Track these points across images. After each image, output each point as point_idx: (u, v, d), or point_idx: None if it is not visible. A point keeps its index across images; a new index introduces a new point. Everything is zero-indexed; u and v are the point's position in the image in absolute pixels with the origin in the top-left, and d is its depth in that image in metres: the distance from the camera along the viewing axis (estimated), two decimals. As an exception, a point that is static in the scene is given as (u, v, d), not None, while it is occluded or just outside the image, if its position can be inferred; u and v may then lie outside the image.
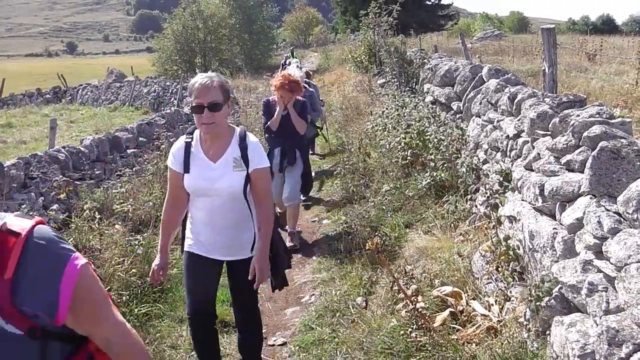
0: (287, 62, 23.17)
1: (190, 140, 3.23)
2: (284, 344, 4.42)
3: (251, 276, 3.20)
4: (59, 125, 11.35)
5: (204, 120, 3.01)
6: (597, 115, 3.46)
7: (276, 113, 6.13)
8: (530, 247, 3.54)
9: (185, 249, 3.46)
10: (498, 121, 5.34)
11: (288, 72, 6.29)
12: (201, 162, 3.19)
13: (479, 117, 6.11)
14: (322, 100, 9.28)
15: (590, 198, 2.97)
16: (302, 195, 7.14)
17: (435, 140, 6.58)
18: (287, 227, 6.47)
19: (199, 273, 3.39)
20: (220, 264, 3.42)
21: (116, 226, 5.62)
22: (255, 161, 3.16)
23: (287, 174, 6.39)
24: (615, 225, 2.64)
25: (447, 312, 3.87)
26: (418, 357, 3.55)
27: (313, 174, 7.85)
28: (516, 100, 4.87)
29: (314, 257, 6.08)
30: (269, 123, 6.22)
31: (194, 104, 3.02)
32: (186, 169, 3.19)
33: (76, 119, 20.72)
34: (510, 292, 3.68)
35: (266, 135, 6.52)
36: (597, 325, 2.54)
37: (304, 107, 6.27)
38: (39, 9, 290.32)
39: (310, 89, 8.36)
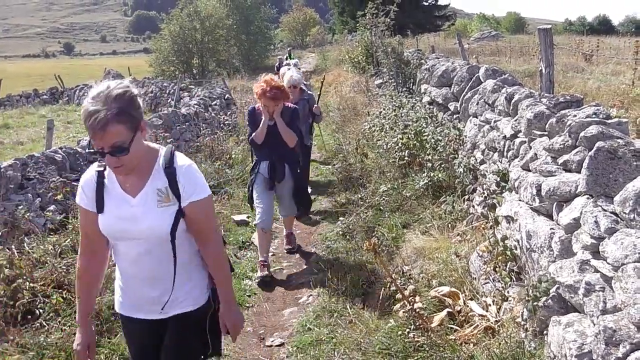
0: (280, 64, 23.01)
1: (102, 169, 2.41)
2: (282, 344, 4.42)
3: (224, 334, 2.67)
4: (56, 126, 11.35)
5: (109, 164, 2.26)
6: (593, 116, 3.46)
7: (261, 124, 5.48)
8: (528, 247, 3.55)
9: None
10: (495, 121, 5.34)
11: (271, 77, 5.54)
12: (117, 198, 2.41)
13: (476, 117, 6.12)
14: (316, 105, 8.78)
15: (587, 198, 2.98)
16: (300, 212, 6.66)
17: (433, 140, 6.58)
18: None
19: (133, 340, 2.74)
20: (157, 325, 2.59)
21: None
22: (189, 191, 2.39)
23: (278, 192, 5.81)
24: (612, 225, 2.64)
25: (444, 313, 3.87)
26: (416, 358, 3.55)
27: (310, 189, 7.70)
28: (513, 101, 4.87)
29: (312, 258, 6.08)
30: (253, 135, 5.58)
31: (92, 146, 2.22)
32: (99, 207, 2.41)
33: (73, 120, 20.65)
34: (508, 292, 3.69)
35: (252, 147, 5.95)
36: (594, 325, 2.55)
37: (293, 116, 5.63)
38: (36, 10, 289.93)
39: (310, 92, 8.06)
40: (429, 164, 6.41)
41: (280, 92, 5.40)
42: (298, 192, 5.91)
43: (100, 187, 2.42)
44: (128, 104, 2.17)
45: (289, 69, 8.29)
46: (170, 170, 2.38)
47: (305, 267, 5.93)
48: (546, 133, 3.93)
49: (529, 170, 3.95)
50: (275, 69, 23.27)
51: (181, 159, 2.44)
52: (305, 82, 8.62)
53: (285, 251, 6.32)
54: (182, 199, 2.38)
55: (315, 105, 7.82)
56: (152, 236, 2.39)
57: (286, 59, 23.38)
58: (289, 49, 30.90)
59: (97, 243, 2.53)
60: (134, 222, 2.37)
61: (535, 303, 3.06)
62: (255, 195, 5.71)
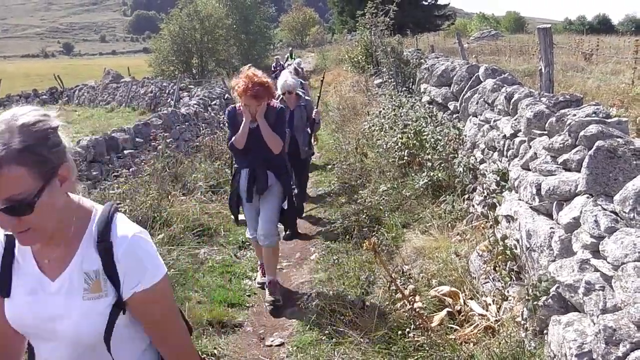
0: (278, 65, 22.71)
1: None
2: (282, 344, 4.41)
3: None
4: (55, 126, 11.30)
5: (4, 227, 1.46)
6: (593, 115, 3.46)
7: (242, 126, 4.74)
8: (528, 246, 3.55)
9: None
10: (495, 121, 5.34)
11: (253, 72, 4.72)
12: (30, 278, 1.60)
13: (476, 116, 6.12)
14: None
15: (587, 197, 2.98)
16: (284, 232, 6.34)
17: (432, 140, 6.58)
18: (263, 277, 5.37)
19: None
20: None
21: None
22: (133, 278, 1.58)
23: (261, 204, 4.97)
24: (612, 225, 2.64)
25: (444, 312, 3.87)
26: (416, 357, 3.55)
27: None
28: (513, 100, 4.87)
29: (312, 258, 6.08)
30: (233, 140, 4.83)
31: None
32: (3, 288, 1.61)
33: (73, 120, 20.70)
34: (508, 291, 3.69)
35: (232, 153, 5.38)
36: (594, 324, 2.55)
37: (279, 118, 4.87)
38: (35, 10, 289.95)
39: (307, 98, 7.52)
40: (429, 164, 6.40)
41: (264, 89, 4.66)
42: (284, 210, 5.12)
43: (7, 259, 1.62)
44: (38, 139, 1.41)
45: (290, 72, 8.22)
46: (105, 245, 1.57)
47: (305, 266, 5.93)
48: (546, 132, 3.93)
49: (529, 170, 3.95)
50: (272, 69, 23.13)
51: (123, 228, 1.61)
52: (302, 89, 8.06)
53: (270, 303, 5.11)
54: (122, 287, 1.58)
55: (315, 110, 7.32)
56: (78, 340, 1.59)
57: (287, 59, 23.13)
58: (290, 49, 30.74)
59: (10, 340, 1.72)
60: (52, 318, 1.58)
61: (535, 302, 3.06)
62: (242, 209, 5.21)
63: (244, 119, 4.76)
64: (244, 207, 5.13)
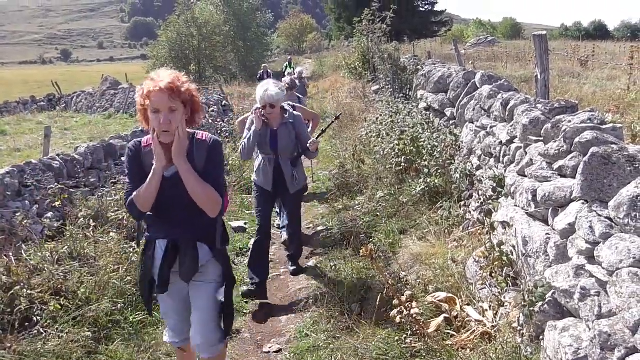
0: (265, 74, 21.77)
1: None
2: (279, 351, 4.42)
3: None
4: (53, 132, 11.34)
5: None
6: (588, 121, 3.48)
7: (150, 175, 2.87)
8: (524, 252, 3.56)
9: None
10: (491, 127, 5.36)
11: (174, 74, 2.88)
12: None
13: (472, 123, 6.14)
14: (307, 121, 6.89)
15: (582, 203, 3.00)
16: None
17: (429, 146, 6.60)
18: None
19: None
20: None
21: (111, 234, 5.61)
22: None
23: (192, 298, 3.16)
24: (607, 230, 2.66)
25: (441, 318, 3.88)
26: (413, 363, 3.56)
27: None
28: (509, 107, 4.90)
29: (309, 264, 6.08)
30: (134, 196, 2.90)
31: None
32: None
33: (70, 127, 20.68)
34: (504, 297, 3.70)
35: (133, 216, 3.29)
36: (589, 329, 2.56)
37: (213, 156, 3.01)
38: (33, 17, 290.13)
39: (296, 113, 5.57)
40: (426, 170, 6.42)
41: (188, 101, 2.87)
42: (225, 305, 3.18)
43: None
44: None
45: (290, 78, 7.84)
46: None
47: (302, 273, 5.92)
48: (542, 139, 3.95)
49: (525, 176, 3.97)
50: (258, 79, 22.40)
51: None
52: (291, 102, 6.37)
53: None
54: None
55: (312, 141, 5.37)
56: None
57: (285, 68, 22.59)
58: (289, 57, 30.31)
59: None
60: None
61: (531, 308, 3.07)
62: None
63: (153, 161, 2.86)
64: (159, 299, 3.30)
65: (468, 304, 4.00)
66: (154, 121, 2.78)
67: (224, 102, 17.75)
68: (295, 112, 5.54)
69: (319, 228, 7.15)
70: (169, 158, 2.85)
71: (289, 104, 5.84)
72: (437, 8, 50.41)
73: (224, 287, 3.15)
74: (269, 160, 5.40)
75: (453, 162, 6.09)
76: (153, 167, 2.85)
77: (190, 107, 2.91)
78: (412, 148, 7.12)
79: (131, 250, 5.22)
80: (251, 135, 5.24)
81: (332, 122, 6.61)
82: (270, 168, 5.40)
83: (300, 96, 8.51)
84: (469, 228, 5.05)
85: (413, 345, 3.66)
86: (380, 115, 9.31)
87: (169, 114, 2.76)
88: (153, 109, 2.77)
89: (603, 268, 2.59)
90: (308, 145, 5.33)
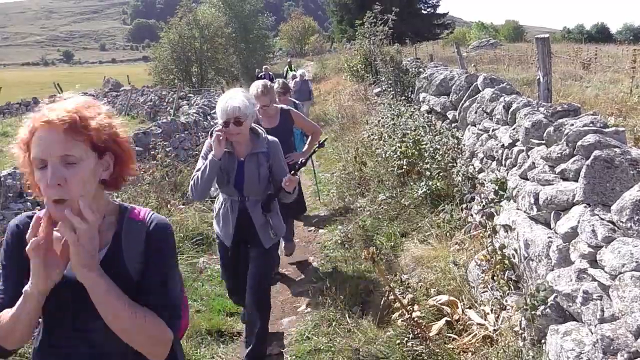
0: (267, 76, 21.15)
1: None
2: (280, 353, 4.41)
3: None
4: (55, 134, 11.32)
5: None
6: (591, 125, 3.48)
7: (23, 296, 1.60)
8: (526, 255, 3.55)
9: None
10: (493, 130, 5.36)
11: (87, 102, 1.68)
12: None
13: (475, 126, 6.13)
14: (306, 135, 6.40)
15: (585, 207, 2.99)
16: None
17: (431, 149, 6.59)
18: None
19: None
20: None
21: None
22: None
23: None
24: (609, 234, 2.65)
25: (443, 321, 3.87)
26: (414, 367, 3.55)
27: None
28: (511, 110, 4.89)
29: (310, 267, 6.08)
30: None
31: None
32: None
33: (72, 128, 20.68)
34: (506, 300, 3.69)
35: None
36: (592, 333, 2.55)
37: (156, 244, 1.77)
38: (36, 18, 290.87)
39: (272, 139, 3.97)
40: (428, 173, 6.41)
41: (105, 146, 1.68)
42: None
43: None
44: None
45: (283, 81, 7.09)
46: None
47: (303, 276, 5.92)
48: (544, 142, 3.95)
49: (527, 179, 3.96)
50: (257, 77, 21.79)
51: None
52: (285, 106, 5.70)
53: None
54: None
55: (287, 177, 3.79)
56: None
57: (286, 72, 22.18)
58: (289, 59, 29.95)
59: None
60: None
61: (533, 312, 3.06)
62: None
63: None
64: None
65: (470, 307, 3.99)
66: (40, 181, 1.60)
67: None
68: (271, 138, 3.94)
69: (320, 230, 7.14)
70: (67, 257, 1.58)
71: (285, 108, 5.53)
72: (439, 11, 50.45)
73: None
74: (231, 203, 3.95)
75: (455, 165, 6.08)
76: (28, 285, 1.57)
77: (114, 157, 1.73)
78: (414, 151, 7.10)
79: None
80: (207, 167, 3.72)
81: (314, 151, 4.67)
82: (233, 215, 3.94)
83: (297, 102, 7.44)
84: (471, 231, 5.04)
85: (415, 348, 3.65)
86: (382, 117, 9.30)
87: (63, 168, 1.57)
88: (37, 158, 1.60)
89: (605, 272, 2.58)
90: (283, 183, 3.74)
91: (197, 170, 3.81)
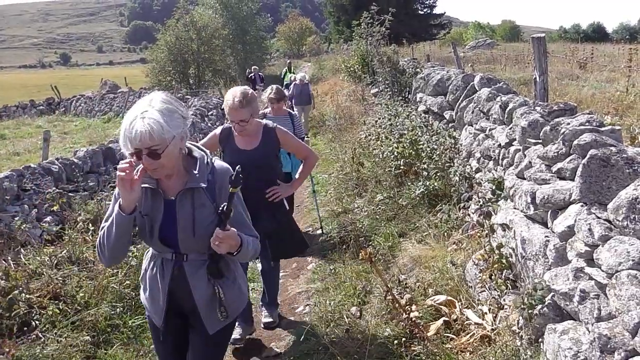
0: (256, 77, 20.30)
1: None
2: (278, 355, 4.40)
3: None
4: (52, 136, 11.34)
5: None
6: (587, 124, 3.48)
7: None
8: (523, 255, 3.55)
9: None
10: (490, 130, 5.36)
11: None
12: None
13: (471, 125, 6.14)
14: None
15: (581, 206, 2.99)
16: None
17: (428, 149, 6.60)
18: None
19: None
20: None
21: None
22: None
23: None
24: (606, 233, 2.65)
25: (441, 321, 3.87)
26: (412, 367, 3.55)
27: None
28: (508, 109, 4.90)
29: (308, 268, 6.08)
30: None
31: None
32: None
33: (70, 131, 20.70)
34: (504, 300, 3.69)
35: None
36: (589, 332, 2.55)
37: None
38: (33, 21, 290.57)
39: (218, 165, 2.56)
40: (425, 173, 6.41)
41: None
42: None
43: None
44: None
45: (277, 87, 6.26)
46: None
47: (302, 276, 5.92)
48: (540, 141, 3.95)
49: (524, 178, 3.97)
50: (247, 78, 20.16)
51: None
52: (270, 123, 4.38)
53: None
54: None
55: (215, 234, 2.36)
56: None
57: (285, 74, 21.53)
58: (288, 61, 29.69)
59: None
60: None
61: (530, 311, 3.06)
62: None
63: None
64: None
65: (468, 307, 3.99)
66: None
67: (223, 106, 17.74)
68: (217, 164, 2.57)
69: (318, 232, 7.14)
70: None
71: (270, 125, 4.24)
72: (436, 11, 50.59)
73: None
74: (162, 263, 2.60)
75: (452, 164, 6.09)
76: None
77: None
78: (411, 151, 7.11)
79: (129, 254, 5.20)
80: (112, 224, 2.41)
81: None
82: (163, 282, 2.59)
83: (293, 112, 6.60)
84: (468, 231, 5.04)
85: (413, 348, 3.65)
86: (380, 118, 9.31)
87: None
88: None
89: (602, 270, 2.58)
90: (211, 241, 2.37)
91: (104, 221, 2.47)
